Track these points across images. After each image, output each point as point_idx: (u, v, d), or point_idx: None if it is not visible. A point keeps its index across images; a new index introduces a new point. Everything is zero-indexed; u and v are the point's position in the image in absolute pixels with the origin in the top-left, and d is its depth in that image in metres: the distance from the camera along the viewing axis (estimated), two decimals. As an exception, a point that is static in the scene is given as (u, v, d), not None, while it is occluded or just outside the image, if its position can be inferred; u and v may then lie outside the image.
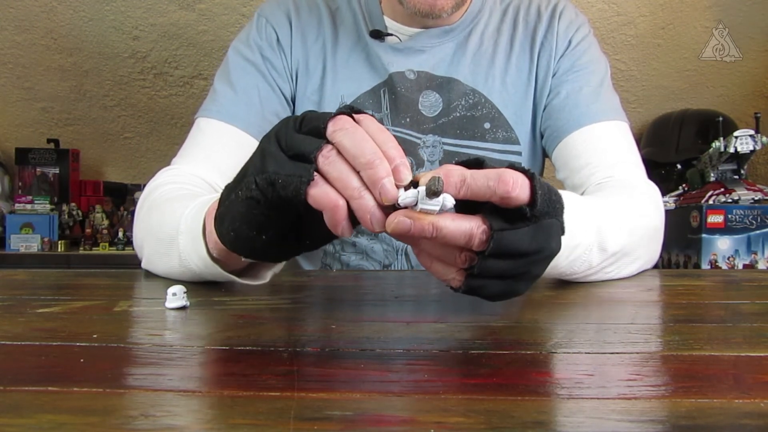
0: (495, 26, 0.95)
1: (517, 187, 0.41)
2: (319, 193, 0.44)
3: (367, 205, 0.43)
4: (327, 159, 0.44)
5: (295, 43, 0.94)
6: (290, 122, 0.47)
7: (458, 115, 0.93)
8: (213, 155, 0.88)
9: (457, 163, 0.46)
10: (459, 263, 0.45)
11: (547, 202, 0.44)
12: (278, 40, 0.94)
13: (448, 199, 0.43)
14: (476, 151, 0.93)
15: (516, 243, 0.43)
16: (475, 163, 0.45)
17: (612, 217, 0.68)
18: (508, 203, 0.42)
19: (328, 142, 0.44)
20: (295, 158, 0.45)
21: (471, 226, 0.42)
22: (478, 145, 0.93)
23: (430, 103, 0.93)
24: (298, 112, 0.96)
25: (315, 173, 0.44)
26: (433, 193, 0.42)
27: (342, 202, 0.43)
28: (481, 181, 0.42)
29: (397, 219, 0.42)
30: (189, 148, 0.90)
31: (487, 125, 0.93)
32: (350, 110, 0.47)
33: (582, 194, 0.88)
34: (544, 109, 0.95)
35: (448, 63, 0.93)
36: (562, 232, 0.47)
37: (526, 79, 0.94)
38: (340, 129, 0.44)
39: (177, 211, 0.66)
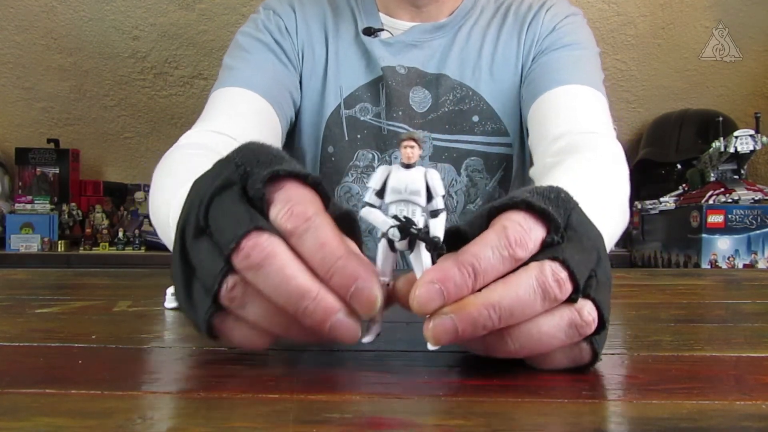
0: (485, 22, 0.94)
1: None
2: (230, 336, 0.34)
3: (314, 333, 0.33)
4: (233, 302, 0.33)
5: (300, 29, 0.94)
6: (194, 212, 0.35)
7: (447, 110, 0.93)
8: (232, 116, 0.85)
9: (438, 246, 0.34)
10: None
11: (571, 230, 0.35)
12: (285, 27, 0.94)
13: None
14: (466, 145, 0.93)
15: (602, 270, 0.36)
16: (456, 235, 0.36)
17: (597, 208, 0.64)
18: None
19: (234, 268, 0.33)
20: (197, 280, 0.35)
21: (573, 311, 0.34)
22: (468, 139, 0.93)
23: (419, 99, 0.93)
24: (303, 97, 0.95)
25: (219, 311, 0.34)
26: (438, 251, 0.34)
27: (267, 339, 0.35)
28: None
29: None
30: (206, 114, 0.88)
31: (475, 118, 0.93)
32: (297, 175, 0.35)
33: (550, 163, 0.79)
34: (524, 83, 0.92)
35: (438, 59, 0.93)
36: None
37: (513, 67, 0.93)
38: (247, 268, 0.32)
39: (167, 196, 0.63)
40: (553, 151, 0.79)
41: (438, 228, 0.33)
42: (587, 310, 0.34)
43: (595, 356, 0.35)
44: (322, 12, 0.96)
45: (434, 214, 0.34)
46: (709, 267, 1.73)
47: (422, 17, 0.93)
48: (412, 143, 0.33)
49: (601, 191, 0.67)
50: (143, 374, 0.35)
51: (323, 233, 0.33)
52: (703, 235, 1.75)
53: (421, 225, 0.33)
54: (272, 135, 0.88)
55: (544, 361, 0.35)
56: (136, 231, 2.24)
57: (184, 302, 0.36)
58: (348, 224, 0.37)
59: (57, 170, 2.37)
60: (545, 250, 0.34)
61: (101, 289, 0.73)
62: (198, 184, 0.37)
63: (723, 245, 1.75)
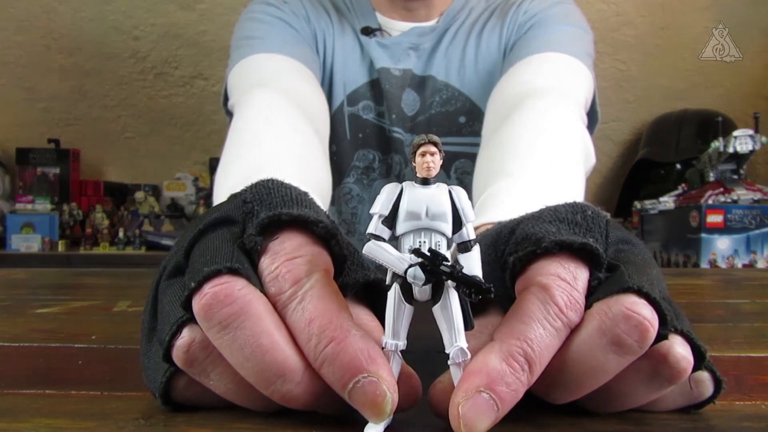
0: (472, 21, 0.93)
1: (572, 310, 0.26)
2: (198, 404, 0.28)
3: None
4: (191, 366, 0.26)
5: (311, 17, 0.91)
6: (180, 248, 0.29)
7: (434, 112, 0.91)
8: (282, 76, 0.76)
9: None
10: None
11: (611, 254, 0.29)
12: (299, 12, 0.91)
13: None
14: (454, 147, 0.92)
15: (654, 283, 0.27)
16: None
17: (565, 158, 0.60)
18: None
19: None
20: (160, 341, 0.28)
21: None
22: (456, 141, 0.92)
23: (409, 102, 0.92)
24: None
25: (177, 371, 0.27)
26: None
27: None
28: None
29: None
30: (244, 83, 0.78)
31: (462, 119, 0.91)
32: (305, 222, 0.27)
33: (497, 120, 0.73)
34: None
35: (425, 61, 0.92)
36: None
37: (496, 62, 0.90)
38: (208, 322, 0.25)
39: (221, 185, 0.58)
40: (504, 99, 0.73)
41: (474, 266, 0.25)
42: (677, 350, 0.26)
43: (719, 384, 0.28)
44: (326, 9, 0.95)
45: (463, 247, 0.25)
46: (708, 267, 1.73)
47: (414, 18, 0.92)
48: (432, 148, 0.25)
49: (562, 137, 0.62)
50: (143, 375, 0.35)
51: (314, 305, 0.25)
52: (703, 235, 1.75)
53: (452, 262, 0.24)
54: (325, 98, 0.82)
55: (650, 407, 0.28)
56: (137, 231, 2.24)
57: (143, 360, 0.29)
58: (378, 299, 0.28)
59: (57, 170, 2.37)
60: (602, 287, 0.26)
61: (101, 289, 0.73)
62: (199, 217, 0.31)
63: (722, 245, 1.75)
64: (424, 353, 0.29)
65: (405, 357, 0.27)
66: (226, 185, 0.56)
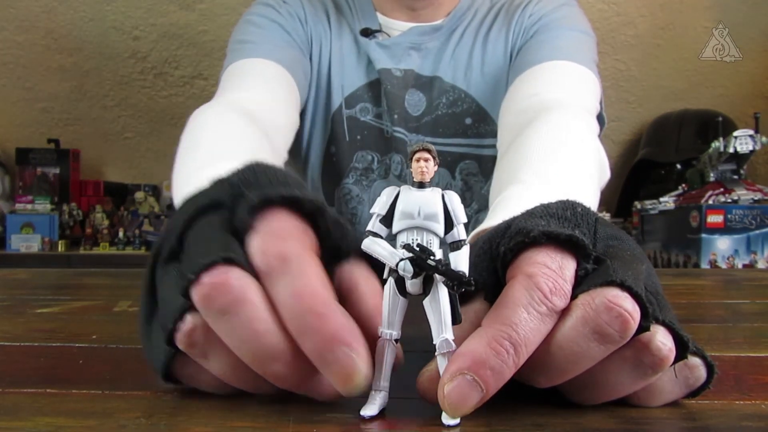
0: (478, 22, 0.92)
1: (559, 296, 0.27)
2: (193, 384, 0.30)
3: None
4: (192, 349, 0.28)
5: (309, 20, 0.92)
6: (172, 232, 0.30)
7: (440, 113, 0.92)
8: (261, 83, 0.81)
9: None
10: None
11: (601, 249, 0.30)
12: (297, 15, 0.92)
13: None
14: (459, 148, 0.92)
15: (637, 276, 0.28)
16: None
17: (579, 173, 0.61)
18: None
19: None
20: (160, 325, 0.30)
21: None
22: (461, 142, 0.92)
23: (414, 102, 0.92)
24: (312, 91, 0.92)
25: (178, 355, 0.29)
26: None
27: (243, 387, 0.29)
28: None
29: None
30: (227, 84, 0.83)
31: (468, 121, 0.91)
32: (292, 201, 0.29)
33: (514, 130, 0.73)
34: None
35: (432, 62, 0.91)
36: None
37: (502, 65, 0.90)
38: (207, 309, 0.26)
39: (184, 177, 0.60)
40: (518, 112, 0.74)
41: (461, 263, 0.27)
42: (659, 339, 0.27)
43: (711, 369, 0.29)
44: (325, 8, 0.95)
45: (455, 246, 0.27)
46: (708, 267, 1.73)
47: (418, 18, 0.92)
48: (426, 155, 0.27)
49: (577, 150, 0.63)
50: (144, 374, 0.35)
51: (300, 281, 0.26)
52: (703, 235, 1.75)
53: (439, 257, 0.27)
54: (297, 109, 0.85)
55: (643, 401, 0.29)
56: (137, 231, 2.24)
57: (143, 339, 0.31)
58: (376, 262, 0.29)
59: (57, 170, 2.37)
60: (587, 280, 0.28)
61: (101, 289, 0.73)
62: (188, 201, 0.32)
63: (722, 245, 1.75)
64: (424, 352, 0.29)
65: (405, 356, 0.28)
66: (186, 190, 0.57)
